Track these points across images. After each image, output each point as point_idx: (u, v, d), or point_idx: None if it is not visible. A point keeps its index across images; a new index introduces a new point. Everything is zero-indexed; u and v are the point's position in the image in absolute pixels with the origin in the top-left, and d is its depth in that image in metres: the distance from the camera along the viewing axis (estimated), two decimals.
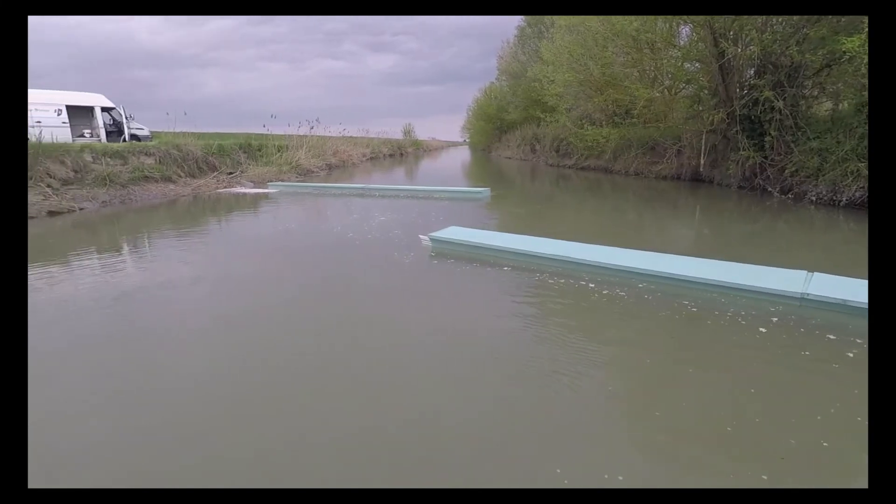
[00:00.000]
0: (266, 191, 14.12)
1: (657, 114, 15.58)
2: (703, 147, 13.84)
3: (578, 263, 5.23)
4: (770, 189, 11.39)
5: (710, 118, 12.65)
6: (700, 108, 13.94)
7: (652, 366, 3.26)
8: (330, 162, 23.42)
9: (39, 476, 2.20)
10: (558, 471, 2.22)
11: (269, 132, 21.95)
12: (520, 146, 33.46)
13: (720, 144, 13.50)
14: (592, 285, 4.73)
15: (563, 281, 4.89)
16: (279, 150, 19.79)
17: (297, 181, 16.65)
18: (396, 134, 53.72)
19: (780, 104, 10.89)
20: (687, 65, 14.60)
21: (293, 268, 5.98)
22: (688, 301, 4.27)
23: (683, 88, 15.86)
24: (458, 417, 2.67)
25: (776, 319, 3.84)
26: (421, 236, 6.63)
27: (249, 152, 18.47)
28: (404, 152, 46.16)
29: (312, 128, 23.71)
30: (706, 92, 13.96)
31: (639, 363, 3.30)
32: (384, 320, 4.11)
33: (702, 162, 13.99)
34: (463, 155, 48.66)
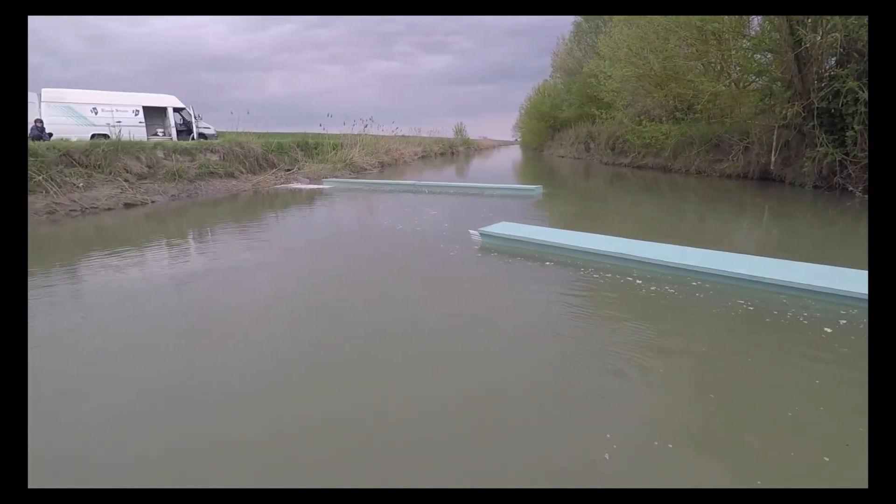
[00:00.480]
0: (321, 187, 14.63)
1: (723, 109, 14.68)
2: (774, 144, 12.86)
3: (629, 260, 5.00)
4: (851, 189, 10.42)
5: (784, 112, 11.75)
6: (772, 102, 12.96)
7: (705, 356, 3.14)
8: (382, 160, 23.92)
9: (96, 420, 2.38)
10: (608, 435, 2.30)
11: (325, 131, 22.77)
12: (573, 144, 32.69)
13: (794, 140, 12.51)
14: (640, 282, 4.50)
15: (610, 276, 4.68)
16: (334, 149, 20.45)
17: (351, 178, 17.14)
18: (448, 133, 54.01)
19: (866, 95, 9.92)
20: (757, 55, 13.64)
21: (343, 258, 6.13)
22: (743, 300, 3.98)
23: (753, 81, 14.84)
24: (511, 392, 2.69)
25: (844, 322, 3.50)
26: (470, 231, 6.60)
27: (306, 150, 19.21)
28: (455, 151, 46.31)
29: (366, 126, 24.32)
30: (779, 84, 12.95)
31: (690, 353, 3.17)
32: (432, 304, 4.13)
33: (772, 159, 13.01)
34: (514, 154, 48.13)
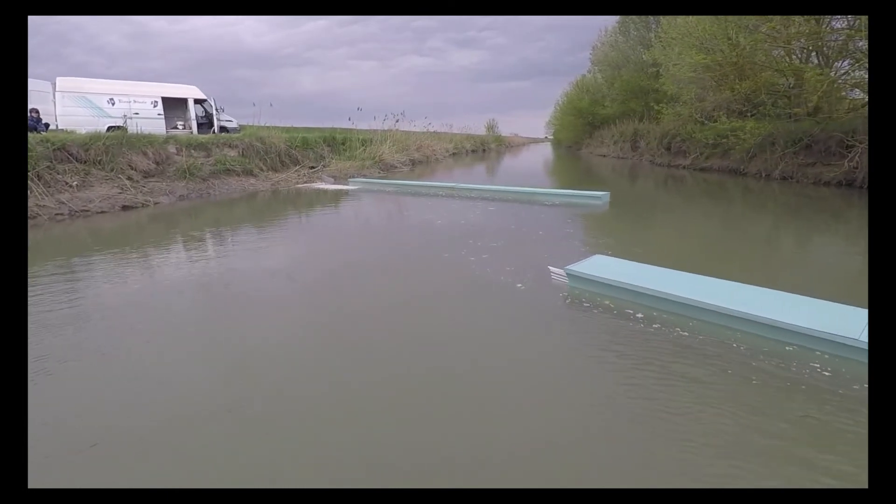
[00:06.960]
0: (346, 187, 13.05)
1: (820, 102, 12.37)
2: None
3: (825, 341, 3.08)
4: None
5: None
6: None
7: None
8: (413, 157, 22.28)
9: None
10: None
11: (354, 126, 21.30)
12: (617, 143, 30.34)
13: None
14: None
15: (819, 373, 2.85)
16: (363, 144, 18.93)
17: (379, 176, 15.55)
18: (479, 129, 52.19)
19: None
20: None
21: (376, 293, 4.43)
22: None
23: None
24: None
25: None
26: (551, 269, 4.68)
27: (333, 146, 17.72)
28: (486, 148, 44.50)
29: (397, 121, 22.80)
30: None
31: None
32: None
33: None
34: (546, 152, 45.84)
